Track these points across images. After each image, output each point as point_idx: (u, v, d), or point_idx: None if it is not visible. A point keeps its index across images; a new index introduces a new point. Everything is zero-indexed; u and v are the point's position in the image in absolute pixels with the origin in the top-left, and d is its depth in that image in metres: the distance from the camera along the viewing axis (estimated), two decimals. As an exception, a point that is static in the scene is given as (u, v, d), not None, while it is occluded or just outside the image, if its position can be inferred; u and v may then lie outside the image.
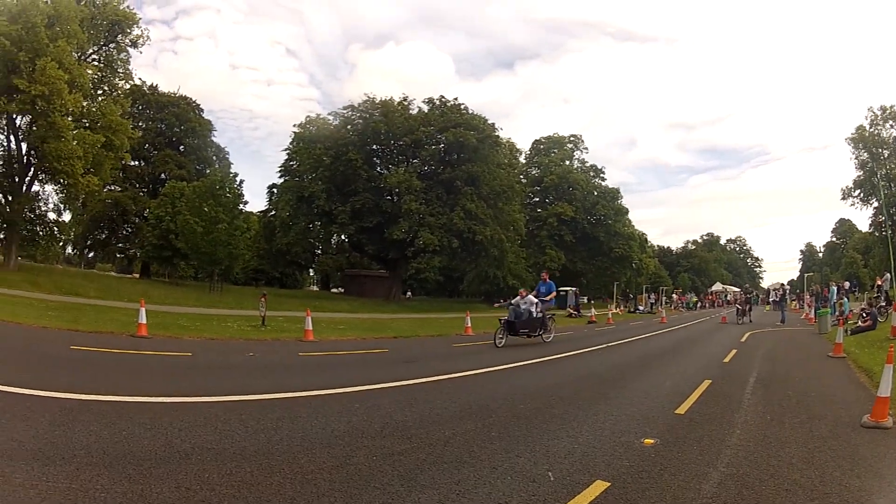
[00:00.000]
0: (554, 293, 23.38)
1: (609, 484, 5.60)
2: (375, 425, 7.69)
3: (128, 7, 43.96)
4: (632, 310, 61.57)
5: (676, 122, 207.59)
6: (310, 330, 19.58)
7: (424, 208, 52.25)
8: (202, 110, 65.87)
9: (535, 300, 21.21)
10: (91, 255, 74.96)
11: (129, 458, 5.62)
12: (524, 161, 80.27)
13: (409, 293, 70.80)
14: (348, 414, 8.31)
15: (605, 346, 21.67)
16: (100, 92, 42.86)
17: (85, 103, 39.90)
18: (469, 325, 25.75)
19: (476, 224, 52.79)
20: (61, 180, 39.52)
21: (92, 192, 41.78)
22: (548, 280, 23.96)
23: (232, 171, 52.90)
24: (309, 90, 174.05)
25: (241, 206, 50.78)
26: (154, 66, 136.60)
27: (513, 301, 21.20)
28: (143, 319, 16.77)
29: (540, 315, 21.10)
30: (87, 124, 40.45)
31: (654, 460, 6.57)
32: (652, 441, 7.33)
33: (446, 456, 6.41)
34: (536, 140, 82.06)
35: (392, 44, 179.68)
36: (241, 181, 50.79)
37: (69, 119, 38.00)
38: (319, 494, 5.02)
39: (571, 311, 47.68)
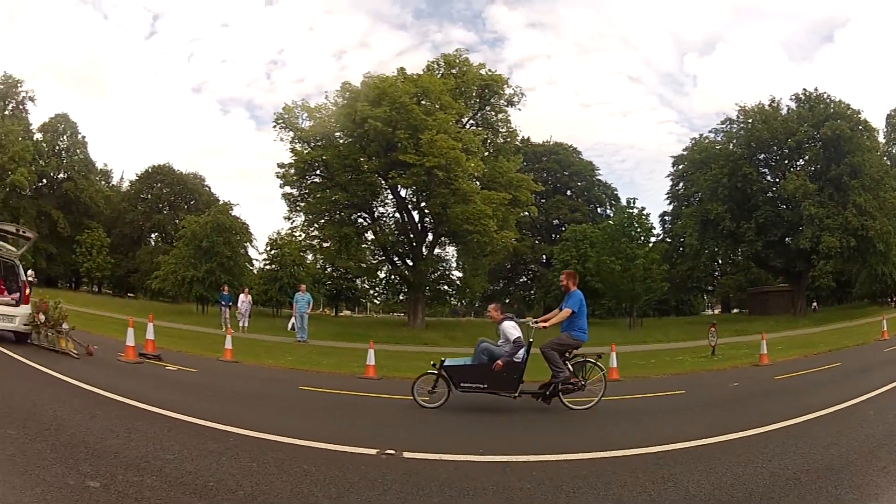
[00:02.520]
0: (568, 312, 10.42)
1: None
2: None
3: (488, 70, 43.64)
4: None
5: None
6: (765, 354, 18.68)
7: (822, 211, 46.37)
8: (580, 153, 65.86)
9: (516, 333, 10.42)
10: (476, 304, 74.96)
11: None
12: (883, 140, 67.85)
13: (815, 304, 63.17)
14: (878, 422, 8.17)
15: None
16: (486, 153, 42.34)
17: (482, 166, 39.61)
18: (885, 328, 24.48)
19: (866, 219, 46.26)
20: (475, 240, 38.24)
21: (507, 246, 41.24)
22: (572, 287, 10.75)
23: (639, 204, 49.93)
24: (663, 111, 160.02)
25: (652, 238, 49.56)
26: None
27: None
28: (614, 363, 15.67)
29: (520, 359, 10.37)
30: (484, 185, 40.01)
31: None
32: None
33: None
34: (888, 115, 69.74)
35: (721, 44, 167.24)
36: (648, 214, 48.73)
37: (474, 183, 37.83)
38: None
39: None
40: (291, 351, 20.86)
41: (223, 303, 30.85)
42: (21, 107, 68.16)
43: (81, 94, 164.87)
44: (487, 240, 37.77)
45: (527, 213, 44.36)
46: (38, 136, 67.30)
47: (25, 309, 13.94)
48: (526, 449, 6.96)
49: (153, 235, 74.01)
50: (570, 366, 10.40)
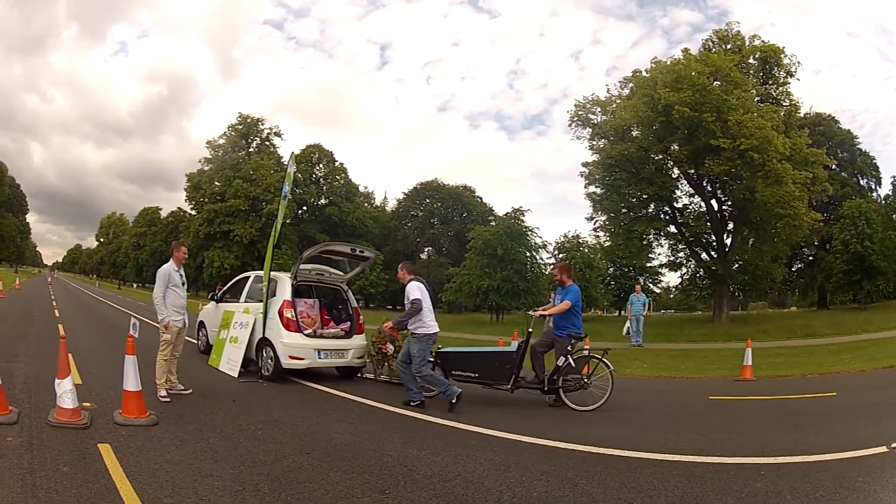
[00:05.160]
0: (568, 304, 9.92)
1: None
2: None
3: (764, 41, 41.45)
4: None
5: None
6: None
7: None
8: (838, 122, 61.54)
9: (414, 294, 9.47)
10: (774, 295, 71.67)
11: None
12: None
13: None
14: None
15: None
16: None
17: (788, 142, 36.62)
18: None
19: None
20: (786, 224, 35.91)
21: (816, 227, 39.36)
22: (567, 281, 10.35)
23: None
24: (884, 67, 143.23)
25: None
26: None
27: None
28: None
29: (513, 349, 10.22)
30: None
31: None
32: None
33: None
34: None
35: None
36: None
37: (786, 163, 34.95)
38: None
39: None
40: (638, 357, 19.14)
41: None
42: (267, 142, 73.06)
43: (323, 128, 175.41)
44: (798, 223, 35.69)
45: (822, 191, 40.52)
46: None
47: (359, 340, 12.00)
48: None
49: (427, 249, 76.26)
50: (571, 360, 9.70)
